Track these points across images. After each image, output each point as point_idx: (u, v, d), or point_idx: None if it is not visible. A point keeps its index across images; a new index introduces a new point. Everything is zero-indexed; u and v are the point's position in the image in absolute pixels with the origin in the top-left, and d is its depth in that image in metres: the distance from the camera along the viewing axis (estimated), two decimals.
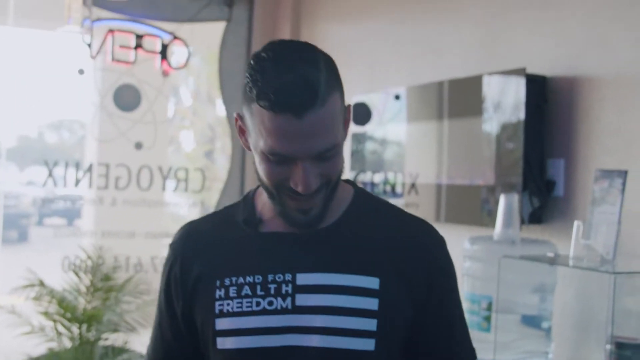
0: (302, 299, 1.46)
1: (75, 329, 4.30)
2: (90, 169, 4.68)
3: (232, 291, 1.49)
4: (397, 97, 3.97)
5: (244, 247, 1.54)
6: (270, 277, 1.47)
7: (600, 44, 2.90)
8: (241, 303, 1.47)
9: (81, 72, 4.62)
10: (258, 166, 1.44)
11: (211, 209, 5.12)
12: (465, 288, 2.89)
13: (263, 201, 1.55)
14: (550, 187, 3.02)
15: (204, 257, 1.56)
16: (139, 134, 4.78)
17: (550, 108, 3.04)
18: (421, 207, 3.70)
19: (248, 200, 1.58)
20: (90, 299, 4.40)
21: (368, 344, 1.45)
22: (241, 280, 1.49)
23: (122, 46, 4.60)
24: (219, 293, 1.50)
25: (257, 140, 1.39)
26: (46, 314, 4.31)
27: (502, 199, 2.87)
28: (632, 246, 2.64)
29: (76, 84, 4.72)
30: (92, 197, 4.78)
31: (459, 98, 3.52)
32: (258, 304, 1.46)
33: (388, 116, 4.04)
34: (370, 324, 1.45)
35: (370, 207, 1.58)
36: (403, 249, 1.51)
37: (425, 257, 1.52)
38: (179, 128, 5.80)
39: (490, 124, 3.24)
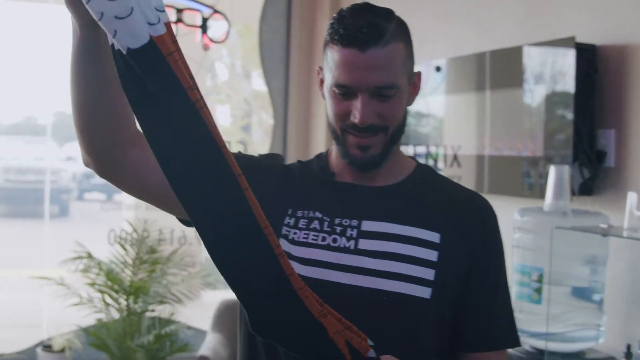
0: (365, 244, 1.52)
1: (122, 301, 4.34)
2: None
3: (302, 223, 1.56)
4: (437, 69, 3.90)
5: (318, 191, 1.62)
6: (337, 220, 1.55)
7: None
8: (308, 235, 1.54)
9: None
10: (328, 107, 1.56)
11: None
12: (515, 259, 2.84)
13: (333, 158, 1.63)
14: (601, 158, 2.94)
15: (288, 187, 1.62)
16: None
17: (600, 78, 2.95)
18: (463, 179, 3.65)
19: (322, 156, 1.68)
20: (137, 271, 4.43)
21: (424, 292, 1.49)
22: (312, 214, 1.56)
23: None
24: (289, 220, 1.57)
25: (328, 79, 1.54)
26: (94, 285, 4.33)
27: (552, 170, 2.81)
28: None
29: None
30: None
31: (503, 69, 3.44)
32: (324, 239, 1.53)
33: (429, 88, 3.97)
34: (429, 274, 1.50)
35: (432, 176, 1.68)
36: (462, 212, 1.59)
37: (481, 224, 1.61)
38: (215, 102, 5.74)
39: (539, 95, 3.17)
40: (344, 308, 1.45)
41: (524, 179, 3.27)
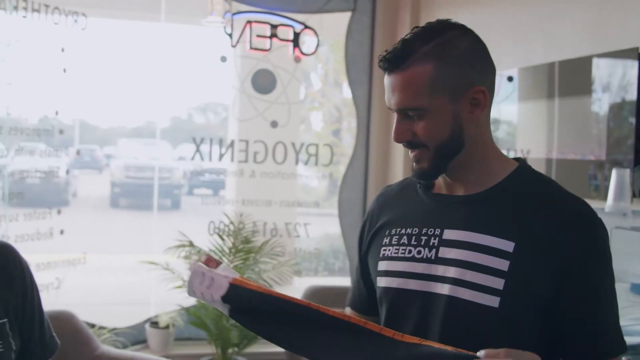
0: (444, 252, 1.48)
1: None
2: (232, 145, 4.74)
3: (394, 240, 1.57)
4: (509, 79, 3.82)
5: (414, 204, 1.61)
6: (424, 230, 1.53)
7: None
8: (397, 250, 1.55)
9: (223, 59, 4.68)
10: None
11: (338, 181, 5.10)
12: None
13: None
14: None
15: (387, 213, 1.65)
16: (274, 113, 4.81)
17: None
18: None
19: None
20: (233, 259, 4.44)
21: (493, 301, 1.41)
22: (403, 231, 1.56)
23: (259, 35, 4.63)
24: (386, 240, 1.59)
25: None
26: None
27: (614, 174, 2.72)
28: None
29: (219, 70, 4.75)
30: (234, 169, 4.82)
31: (570, 78, 3.33)
32: (410, 251, 1.53)
33: (501, 97, 3.88)
34: (498, 283, 1.41)
35: (528, 181, 1.53)
36: (550, 221, 1.43)
37: (573, 233, 1.42)
38: (309, 109, 5.75)
39: (604, 103, 3.06)
40: (422, 314, 1.49)
41: (590, 181, 3.16)
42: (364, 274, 1.69)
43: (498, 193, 1.50)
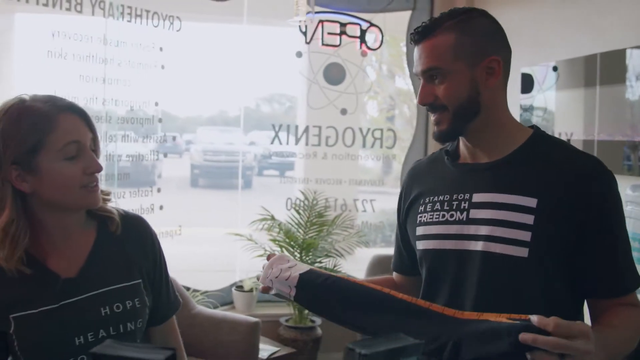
0: (474, 213, 1.51)
1: (297, 254, 4.41)
2: (306, 130, 4.78)
3: (429, 207, 1.60)
4: (554, 69, 3.76)
5: (443, 174, 1.64)
6: (455, 196, 1.56)
7: None
8: (432, 215, 1.58)
9: (299, 55, 4.71)
10: None
11: (398, 162, 5.11)
12: (628, 228, 2.71)
13: (461, 143, 1.63)
14: None
15: (418, 184, 1.69)
16: (343, 102, 4.82)
17: None
18: None
19: (453, 142, 1.67)
20: (308, 231, 4.49)
21: (522, 252, 1.43)
22: (435, 198, 1.60)
23: (329, 33, 4.64)
24: (421, 208, 1.63)
25: None
26: (275, 241, 4.44)
27: None
28: None
29: (295, 64, 4.79)
30: (308, 152, 4.86)
31: (610, 68, 3.26)
32: (443, 216, 1.55)
33: (547, 85, 3.83)
34: (525, 235, 1.43)
35: (544, 145, 1.55)
36: (567, 177, 1.46)
37: (588, 187, 1.45)
38: (369, 98, 5.75)
39: (636, 90, 3.00)
40: (459, 270, 1.52)
41: (623, 161, 3.11)
42: (404, 240, 1.72)
43: (518, 157, 1.52)
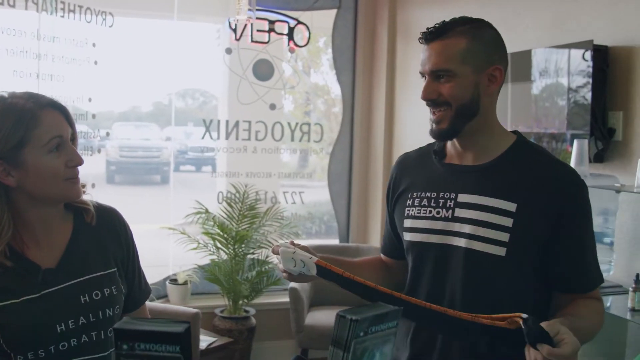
0: (459, 212, 1.61)
1: (230, 246, 4.47)
2: (237, 125, 4.86)
3: (417, 201, 1.69)
4: None
5: (431, 171, 1.72)
6: (441, 194, 1.65)
7: None
8: (419, 210, 1.68)
9: (228, 51, 4.78)
10: None
11: (317, 156, 5.26)
12: None
13: (448, 144, 1.71)
14: (611, 134, 3.03)
15: (407, 177, 1.78)
16: (272, 97, 4.92)
17: (611, 71, 3.03)
18: None
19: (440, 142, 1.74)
20: (240, 224, 4.55)
21: (500, 251, 1.55)
22: (423, 194, 1.69)
23: (258, 30, 4.70)
24: (409, 202, 1.71)
25: None
26: (208, 234, 4.49)
27: (575, 143, 2.91)
28: None
29: (224, 60, 4.85)
30: (236, 146, 4.91)
31: (524, 66, 3.46)
32: (430, 212, 1.66)
33: None
34: (504, 236, 1.55)
35: (526, 151, 1.65)
36: (545, 185, 1.57)
37: (563, 194, 1.56)
38: (288, 93, 5.87)
39: (563, 85, 3.23)
40: (442, 263, 1.64)
41: (556, 149, 3.30)
42: (393, 226, 1.81)
43: (502, 162, 1.62)
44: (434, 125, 1.62)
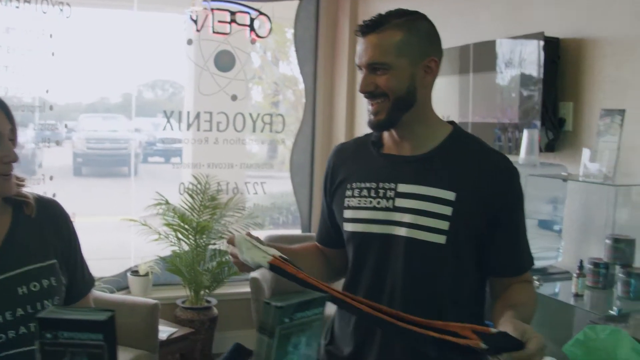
0: (400, 202, 1.63)
1: (191, 237, 4.46)
2: (198, 116, 4.85)
3: (356, 192, 1.70)
4: None
5: (370, 162, 1.73)
6: (380, 184, 1.67)
7: (602, 12, 2.94)
8: (360, 200, 1.69)
9: (189, 42, 4.76)
10: None
11: (284, 147, 5.27)
12: None
13: (385, 134, 1.73)
14: (562, 124, 3.08)
15: (345, 167, 1.78)
16: (234, 88, 4.91)
17: (562, 63, 3.08)
18: None
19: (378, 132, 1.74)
20: (201, 214, 4.54)
21: (440, 239, 1.59)
22: (362, 185, 1.70)
23: (220, 21, 4.70)
24: (348, 192, 1.72)
25: None
26: (170, 225, 4.48)
27: (525, 133, 2.96)
28: (627, 169, 2.73)
29: (185, 51, 4.83)
30: (199, 137, 4.91)
31: (485, 57, 3.54)
32: (370, 202, 1.67)
33: None
34: (444, 225, 1.58)
35: (463, 141, 1.69)
36: (482, 174, 1.62)
37: (499, 182, 1.62)
38: (253, 83, 5.87)
39: (515, 76, 3.27)
40: (384, 252, 1.66)
41: (494, 142, 3.37)
42: (331, 216, 1.81)
43: (440, 152, 1.65)
44: (372, 117, 1.64)
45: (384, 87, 1.59)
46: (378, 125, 1.66)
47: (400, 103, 1.60)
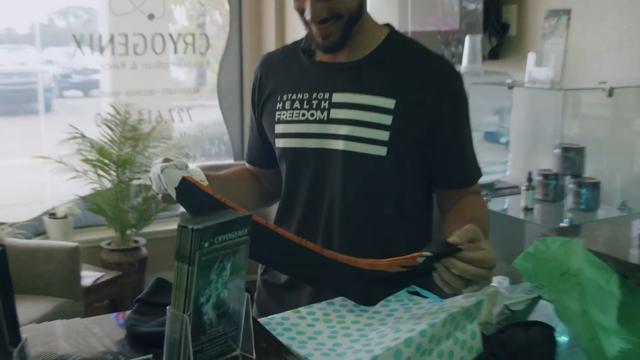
0: (335, 113, 1.56)
1: (112, 172, 4.32)
2: (112, 39, 4.61)
3: (287, 104, 1.62)
4: None
5: (301, 71, 1.65)
6: (314, 95, 1.59)
7: None
8: (292, 113, 1.61)
9: None
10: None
11: (212, 69, 5.09)
12: None
13: None
14: (505, 29, 3.04)
15: (274, 77, 1.70)
16: (150, 6, 4.67)
17: None
18: None
19: (308, 36, 1.64)
20: (122, 147, 4.39)
21: (381, 150, 1.52)
22: (294, 96, 1.62)
23: None
24: (279, 105, 1.64)
25: None
26: (88, 161, 4.32)
27: (467, 40, 2.90)
28: (575, 73, 2.71)
29: None
30: (115, 63, 4.69)
31: None
32: (303, 115, 1.59)
33: None
34: (384, 135, 1.52)
35: (400, 45, 1.62)
36: (422, 78, 1.55)
37: (440, 86, 1.55)
38: (175, 3, 5.63)
39: None
40: (320, 168, 1.59)
41: (439, 50, 3.32)
42: (261, 132, 1.75)
43: (377, 57, 1.59)
44: (321, 40, 1.54)
45: (340, 9, 1.50)
46: (331, 48, 1.56)
47: (353, 19, 1.54)
